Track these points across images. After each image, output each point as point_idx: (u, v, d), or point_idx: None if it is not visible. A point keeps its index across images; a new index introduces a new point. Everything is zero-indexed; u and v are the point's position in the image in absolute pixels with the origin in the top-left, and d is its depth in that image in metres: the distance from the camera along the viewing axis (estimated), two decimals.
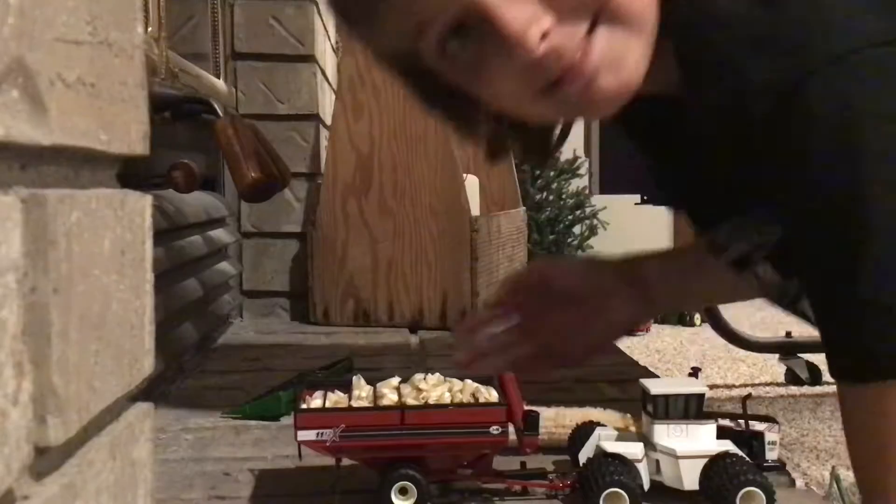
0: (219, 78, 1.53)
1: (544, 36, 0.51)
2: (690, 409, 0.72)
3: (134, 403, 0.36)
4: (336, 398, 0.74)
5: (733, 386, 2.88)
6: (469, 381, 0.77)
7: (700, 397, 0.73)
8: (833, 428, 2.36)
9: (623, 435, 0.76)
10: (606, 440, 0.73)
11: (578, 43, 0.52)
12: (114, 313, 0.32)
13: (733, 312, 2.96)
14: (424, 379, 0.77)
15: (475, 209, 1.64)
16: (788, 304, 0.73)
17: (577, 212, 4.52)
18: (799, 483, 0.78)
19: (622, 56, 0.53)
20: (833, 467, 1.87)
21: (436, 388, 0.75)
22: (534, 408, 0.74)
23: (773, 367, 3.01)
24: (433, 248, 1.55)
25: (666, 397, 0.72)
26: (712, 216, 0.66)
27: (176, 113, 1.04)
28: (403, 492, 0.69)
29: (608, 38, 0.52)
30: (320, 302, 1.61)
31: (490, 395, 0.74)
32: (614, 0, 0.52)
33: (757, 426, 0.78)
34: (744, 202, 0.60)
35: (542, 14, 0.51)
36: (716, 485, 0.69)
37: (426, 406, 0.72)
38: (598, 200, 4.38)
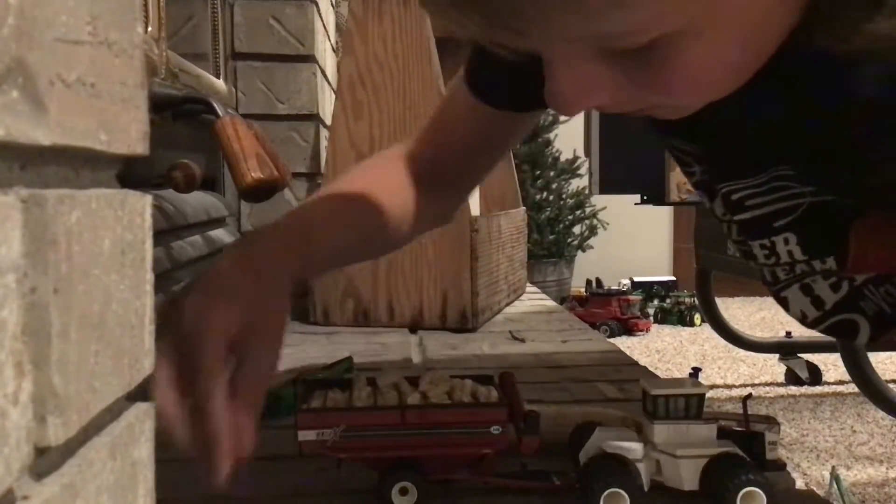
0: (219, 78, 1.53)
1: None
2: (690, 409, 0.72)
3: (134, 403, 0.36)
4: (336, 398, 0.74)
5: (733, 386, 2.88)
6: (469, 381, 0.77)
7: (700, 397, 0.73)
8: (833, 428, 2.36)
9: (623, 435, 0.76)
10: (606, 440, 0.73)
11: (638, 108, 0.50)
12: (114, 313, 0.32)
13: (733, 312, 2.95)
14: (425, 379, 0.77)
15: (475, 209, 1.65)
16: (782, 284, 0.74)
17: (577, 212, 4.52)
18: (799, 483, 0.78)
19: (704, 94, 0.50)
20: (833, 467, 1.88)
21: (436, 388, 0.75)
22: (534, 408, 0.74)
23: (773, 367, 3.01)
24: (433, 248, 1.55)
25: (666, 397, 0.72)
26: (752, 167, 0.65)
27: (176, 113, 1.04)
28: (403, 492, 0.69)
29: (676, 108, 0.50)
30: (320, 302, 1.61)
31: (490, 395, 0.74)
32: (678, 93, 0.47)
33: (757, 426, 0.78)
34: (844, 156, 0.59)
35: (600, 88, 0.47)
36: (716, 485, 0.69)
37: (426, 406, 0.72)
38: (598, 200, 4.38)
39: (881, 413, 2.11)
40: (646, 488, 0.71)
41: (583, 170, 4.40)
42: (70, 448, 0.29)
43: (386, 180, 0.84)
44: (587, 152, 2.38)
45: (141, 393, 0.36)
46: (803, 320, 0.77)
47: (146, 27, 1.05)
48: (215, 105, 1.03)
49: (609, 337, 3.45)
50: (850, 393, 2.60)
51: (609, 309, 3.86)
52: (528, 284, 2.14)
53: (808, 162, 0.65)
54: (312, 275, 0.77)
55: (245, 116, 1.43)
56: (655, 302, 4.25)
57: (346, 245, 0.77)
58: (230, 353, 0.60)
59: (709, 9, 0.42)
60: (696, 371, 0.77)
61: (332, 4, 2.17)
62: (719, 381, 2.94)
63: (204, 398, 0.58)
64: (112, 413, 0.34)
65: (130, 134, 0.35)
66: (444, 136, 0.86)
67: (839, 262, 0.68)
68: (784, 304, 0.77)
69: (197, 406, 0.58)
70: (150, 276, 0.37)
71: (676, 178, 1.91)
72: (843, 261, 0.68)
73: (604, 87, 0.47)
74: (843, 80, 0.56)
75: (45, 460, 0.28)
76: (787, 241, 0.70)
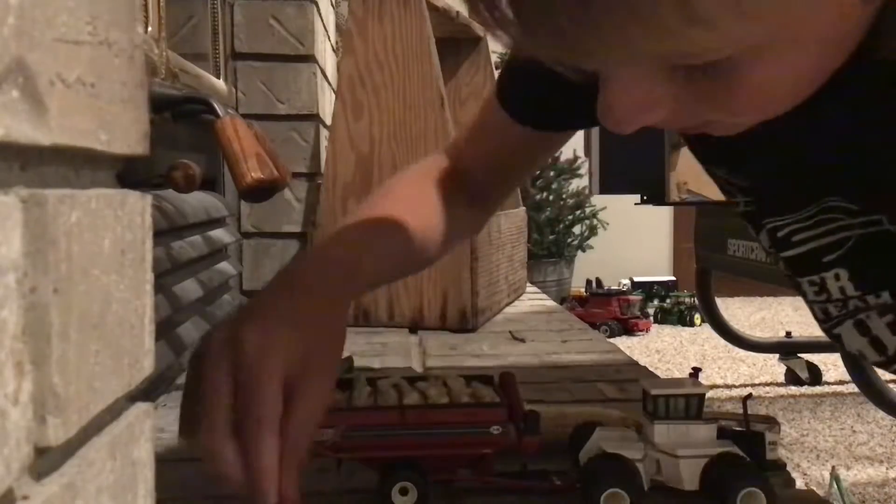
0: (219, 78, 1.53)
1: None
2: (691, 409, 0.72)
3: (134, 403, 0.36)
4: (336, 398, 0.74)
5: (733, 386, 2.88)
6: (469, 381, 0.77)
7: (700, 397, 0.73)
8: (833, 428, 2.35)
9: (623, 435, 0.76)
10: (606, 440, 0.73)
11: (694, 124, 0.49)
12: (114, 313, 0.32)
13: (733, 312, 2.95)
14: (425, 379, 0.77)
15: None
16: (835, 321, 0.71)
17: (577, 212, 4.52)
18: (799, 483, 0.78)
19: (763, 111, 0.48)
20: (833, 467, 1.88)
21: (436, 388, 0.75)
22: (534, 408, 0.74)
23: (773, 367, 3.01)
24: None
25: (666, 397, 0.72)
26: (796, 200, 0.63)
27: (176, 113, 1.04)
28: (404, 492, 0.69)
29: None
30: None
31: (490, 395, 0.74)
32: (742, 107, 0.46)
33: (757, 426, 0.78)
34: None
35: (660, 105, 0.46)
36: (716, 485, 0.69)
37: (426, 406, 0.72)
38: (598, 200, 4.38)
39: (881, 413, 2.11)
40: (646, 488, 0.71)
41: (583, 170, 4.40)
42: (70, 448, 0.29)
43: (423, 198, 0.84)
44: (587, 152, 2.38)
45: (141, 393, 0.36)
46: (863, 360, 0.75)
47: (146, 27, 1.05)
48: (215, 105, 1.02)
49: (609, 337, 3.45)
50: (850, 393, 2.60)
51: (609, 309, 3.86)
52: (528, 284, 2.14)
53: (865, 186, 0.63)
54: (356, 299, 0.77)
55: (245, 116, 1.43)
56: (655, 302, 4.25)
57: (389, 269, 0.77)
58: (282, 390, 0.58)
59: (784, 25, 0.41)
60: (696, 371, 0.77)
61: (332, 4, 2.17)
62: (719, 381, 2.94)
63: (253, 447, 0.56)
64: (112, 413, 0.34)
65: (130, 134, 0.35)
66: (479, 151, 0.86)
67: (895, 295, 0.66)
68: (838, 340, 0.73)
69: (245, 449, 0.56)
70: (150, 276, 0.37)
71: (676, 178, 1.91)
72: None
73: (664, 103, 0.46)
74: None
75: (45, 460, 0.28)
76: (837, 277, 0.67)
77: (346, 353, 1.23)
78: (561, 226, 4.45)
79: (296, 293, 0.64)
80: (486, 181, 0.87)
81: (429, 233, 0.80)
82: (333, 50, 2.17)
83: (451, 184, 0.86)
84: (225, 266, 1.56)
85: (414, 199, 0.83)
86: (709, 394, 0.75)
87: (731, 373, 3.08)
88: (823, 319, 0.72)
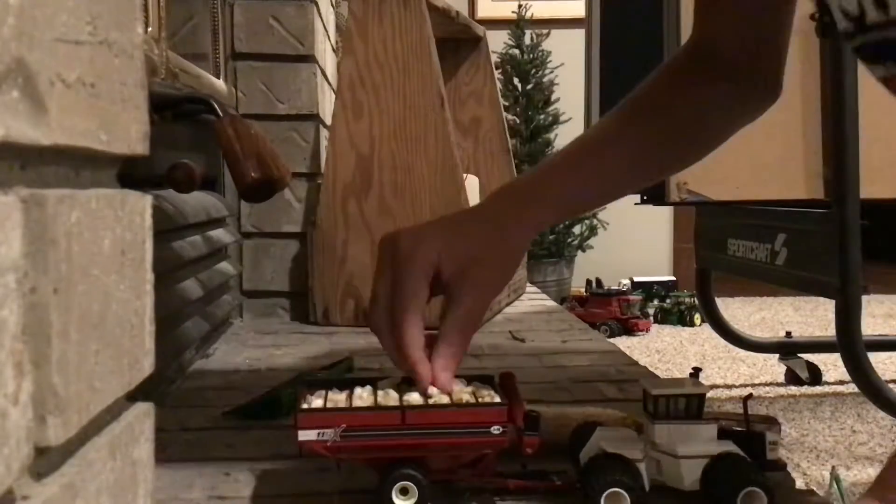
0: (219, 78, 1.53)
1: None
2: (691, 409, 0.72)
3: (134, 403, 0.36)
4: (336, 398, 0.74)
5: (733, 386, 2.88)
6: (469, 381, 0.77)
7: (701, 398, 0.73)
8: (833, 428, 2.36)
9: (623, 435, 0.76)
10: (606, 440, 0.73)
11: None
12: (114, 313, 0.32)
13: (733, 312, 2.95)
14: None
15: None
16: None
17: None
18: (799, 483, 0.78)
19: None
20: (833, 467, 1.88)
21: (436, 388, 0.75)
22: (534, 408, 0.74)
23: (773, 367, 3.01)
24: None
25: (666, 397, 0.72)
26: None
27: (176, 113, 1.04)
28: (404, 492, 0.69)
29: None
30: (320, 302, 1.61)
31: (490, 395, 0.74)
32: None
33: (758, 426, 0.78)
34: None
35: None
36: (717, 485, 0.69)
37: (426, 406, 0.72)
38: None
39: (881, 413, 2.11)
40: (646, 488, 0.71)
41: None
42: (70, 448, 0.29)
43: (652, 96, 0.80)
44: None
45: (141, 393, 0.36)
46: (860, 21, 0.68)
47: (146, 27, 1.05)
48: (215, 105, 1.02)
49: (609, 337, 3.45)
50: (850, 393, 2.60)
51: (609, 309, 3.86)
52: (528, 284, 2.14)
53: None
54: (585, 208, 0.81)
55: (245, 116, 1.43)
56: (655, 302, 4.25)
57: (604, 185, 0.78)
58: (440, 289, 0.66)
59: None
60: (696, 371, 0.77)
61: (332, 4, 2.17)
62: (719, 381, 2.94)
63: (398, 333, 0.65)
64: (112, 413, 0.34)
65: (130, 134, 0.35)
66: (717, 8, 0.79)
67: None
68: None
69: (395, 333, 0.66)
70: (150, 276, 0.37)
71: (676, 178, 1.91)
72: None
73: None
74: None
75: (45, 460, 0.28)
76: None
77: (345, 354, 1.24)
78: (561, 226, 4.44)
79: (467, 212, 0.73)
80: (733, 45, 0.79)
81: (664, 134, 0.78)
82: (333, 50, 2.17)
83: (691, 65, 0.80)
84: (225, 266, 1.56)
85: (639, 104, 0.80)
86: (709, 394, 0.75)
87: (731, 373, 3.08)
88: None
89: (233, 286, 1.65)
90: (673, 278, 4.51)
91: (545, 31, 4.47)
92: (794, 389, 2.81)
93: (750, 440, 0.75)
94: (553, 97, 4.47)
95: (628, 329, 3.84)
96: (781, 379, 2.90)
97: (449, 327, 0.66)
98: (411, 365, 0.67)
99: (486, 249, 0.68)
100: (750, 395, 0.81)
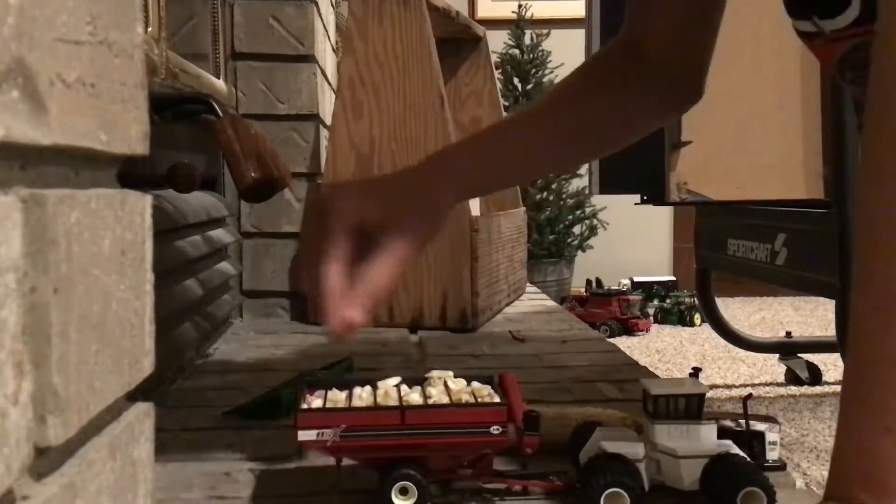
0: (219, 78, 1.53)
1: None
2: (691, 409, 0.72)
3: (134, 403, 0.36)
4: (336, 398, 0.74)
5: (733, 386, 2.88)
6: (469, 381, 0.77)
7: (701, 397, 0.73)
8: (833, 428, 2.36)
9: (623, 435, 0.76)
10: (607, 440, 0.73)
11: None
12: (114, 313, 0.32)
13: (733, 312, 2.95)
14: (425, 379, 0.77)
15: (475, 209, 1.64)
16: None
17: (577, 212, 4.52)
18: (799, 483, 0.78)
19: None
20: None
21: (436, 388, 0.75)
22: (534, 408, 0.74)
23: (773, 367, 3.01)
24: (433, 247, 1.55)
25: (666, 397, 0.72)
26: None
27: (176, 113, 1.04)
28: (404, 492, 0.69)
29: None
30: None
31: (490, 395, 0.74)
32: None
33: (758, 426, 0.78)
34: None
35: None
36: (717, 485, 0.69)
37: (426, 406, 0.72)
38: (598, 200, 4.38)
39: None
40: (646, 488, 0.71)
41: (583, 170, 4.40)
42: (70, 448, 0.29)
43: (577, 87, 0.84)
44: None
45: (141, 393, 0.36)
46: None
47: (146, 27, 1.05)
48: (215, 105, 1.02)
49: (609, 337, 3.45)
50: None
51: (609, 309, 3.86)
52: (528, 284, 2.14)
53: None
54: (502, 184, 0.86)
55: (245, 116, 1.43)
56: (655, 302, 4.25)
57: (524, 165, 0.83)
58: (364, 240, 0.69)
59: None
60: (696, 371, 0.77)
61: (332, 4, 2.17)
62: (719, 381, 2.94)
63: (321, 275, 0.68)
64: (112, 413, 0.34)
65: (130, 134, 0.35)
66: (647, 7, 0.81)
67: None
68: None
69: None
70: (150, 276, 0.37)
71: (676, 178, 1.91)
72: None
73: None
74: None
75: (45, 460, 0.28)
76: None
77: (345, 354, 1.24)
78: (561, 226, 4.44)
79: (394, 174, 0.77)
80: (661, 46, 0.81)
81: (583, 124, 0.81)
82: (333, 50, 2.17)
83: (618, 62, 0.83)
84: (225, 266, 1.56)
85: (566, 92, 0.84)
86: (709, 394, 0.75)
87: (731, 373, 3.08)
88: None
89: (233, 286, 1.65)
90: (673, 278, 4.51)
91: (545, 31, 4.47)
92: (794, 389, 2.81)
93: (750, 440, 0.75)
94: None
95: (628, 329, 3.84)
96: (781, 379, 2.90)
97: (374, 269, 0.69)
98: (322, 298, 0.70)
99: (409, 203, 0.72)
100: (750, 395, 0.81)
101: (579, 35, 2.45)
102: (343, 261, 0.69)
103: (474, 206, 1.64)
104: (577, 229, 4.53)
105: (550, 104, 0.85)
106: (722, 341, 2.89)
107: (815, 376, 2.84)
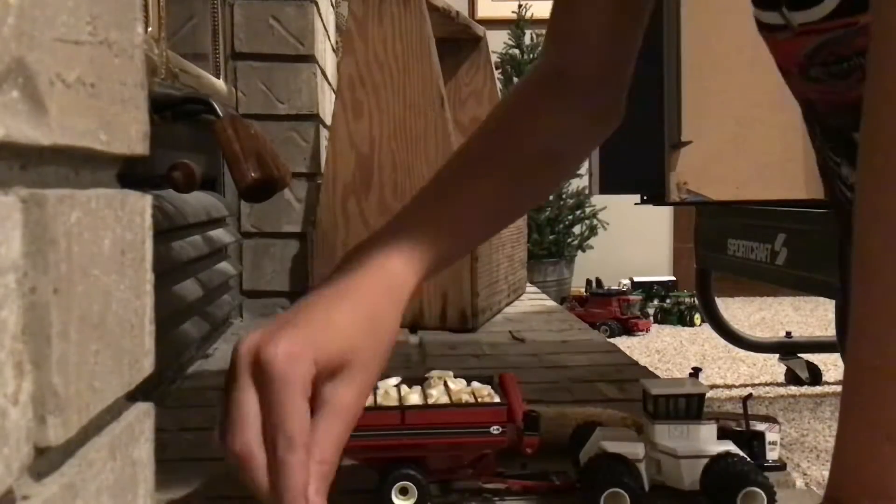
0: (219, 78, 1.53)
1: None
2: (691, 409, 0.72)
3: (134, 403, 0.36)
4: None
5: (733, 386, 2.88)
6: (469, 381, 0.77)
7: (701, 397, 0.73)
8: (833, 428, 2.35)
9: (623, 435, 0.76)
10: (607, 440, 0.73)
11: None
12: (114, 313, 0.32)
13: (733, 312, 2.95)
14: (425, 379, 0.77)
15: None
16: None
17: (577, 212, 4.52)
18: (799, 483, 0.78)
19: None
20: None
21: (436, 388, 0.75)
22: (534, 408, 0.74)
23: (773, 367, 3.01)
24: None
25: (666, 397, 0.72)
26: None
27: (176, 113, 1.04)
28: (404, 492, 0.69)
29: None
30: None
31: (490, 395, 0.74)
32: None
33: (758, 426, 0.78)
34: None
35: None
36: (717, 485, 0.69)
37: (426, 406, 0.72)
38: (598, 200, 4.38)
39: None
40: (646, 488, 0.71)
41: (583, 170, 4.40)
42: (70, 448, 0.29)
43: (503, 130, 0.78)
44: None
45: (141, 393, 0.36)
46: None
47: (146, 27, 1.05)
48: (215, 105, 1.02)
49: (609, 337, 3.45)
50: None
51: (609, 309, 3.86)
52: (528, 284, 2.14)
53: None
54: (450, 261, 0.73)
55: (245, 116, 1.43)
56: (655, 302, 4.25)
57: (471, 232, 0.75)
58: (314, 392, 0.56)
59: None
60: (696, 371, 0.77)
61: (332, 4, 2.17)
62: (719, 381, 2.94)
63: (280, 465, 0.54)
64: (112, 413, 0.34)
65: (130, 134, 0.35)
66: (568, 25, 0.79)
67: None
68: None
69: (273, 465, 0.55)
70: (150, 276, 0.37)
71: (676, 178, 1.91)
72: None
73: None
74: None
75: (45, 460, 0.28)
76: None
77: None
78: (561, 226, 4.44)
79: (332, 298, 0.61)
80: (585, 72, 0.79)
81: (521, 171, 0.75)
82: (333, 50, 2.17)
83: (542, 93, 0.79)
84: (225, 266, 1.56)
85: (491, 141, 0.77)
86: (709, 394, 0.75)
87: (731, 373, 3.08)
88: None
89: (233, 286, 1.65)
90: (673, 278, 4.52)
91: (545, 32, 4.47)
92: (794, 389, 2.81)
93: (750, 440, 0.75)
94: None
95: (628, 329, 3.84)
96: (781, 379, 2.90)
97: (322, 436, 0.56)
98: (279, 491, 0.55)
99: (359, 342, 0.60)
100: (750, 395, 0.81)
101: None
102: (307, 452, 0.55)
103: None
104: (577, 229, 4.53)
105: (483, 160, 0.76)
106: (722, 341, 2.89)
107: (815, 376, 2.84)
